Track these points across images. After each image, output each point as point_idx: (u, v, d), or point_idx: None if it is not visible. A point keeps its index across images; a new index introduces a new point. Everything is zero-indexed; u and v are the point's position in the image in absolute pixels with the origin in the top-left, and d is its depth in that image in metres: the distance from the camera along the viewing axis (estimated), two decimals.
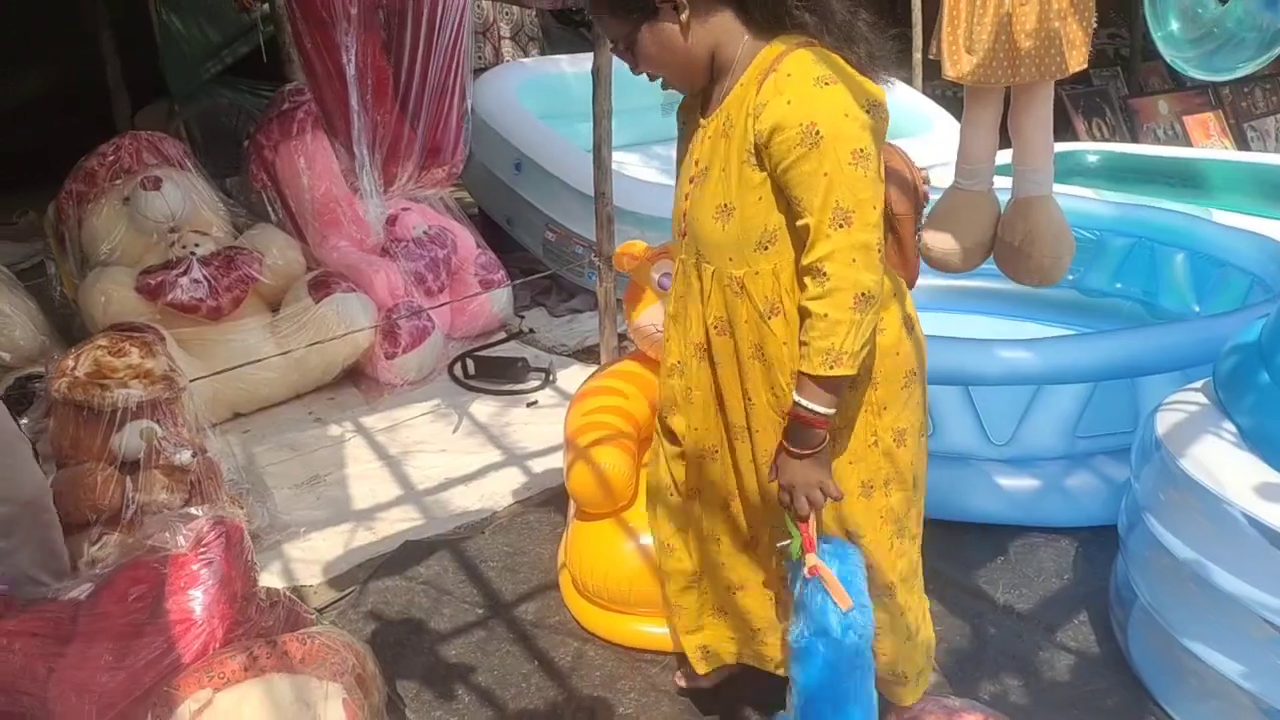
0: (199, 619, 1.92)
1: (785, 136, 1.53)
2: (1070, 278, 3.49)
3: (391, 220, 4.40)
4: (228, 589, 1.98)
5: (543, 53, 7.74)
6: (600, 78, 3.19)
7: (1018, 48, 2.40)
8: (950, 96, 6.64)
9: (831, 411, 1.61)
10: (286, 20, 4.59)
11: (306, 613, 2.20)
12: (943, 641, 2.41)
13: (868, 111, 1.54)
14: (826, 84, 1.53)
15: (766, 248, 1.63)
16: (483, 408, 3.91)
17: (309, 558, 2.92)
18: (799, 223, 1.58)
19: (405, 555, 2.87)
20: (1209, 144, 7.85)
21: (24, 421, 2.96)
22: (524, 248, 5.28)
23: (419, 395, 4.01)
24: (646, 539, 2.29)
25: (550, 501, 3.14)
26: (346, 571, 2.84)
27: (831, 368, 1.56)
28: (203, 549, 2.00)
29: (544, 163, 5.03)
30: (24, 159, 6.49)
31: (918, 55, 6.29)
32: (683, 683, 2.26)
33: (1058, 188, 2.69)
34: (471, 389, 4.09)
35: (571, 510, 2.63)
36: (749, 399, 1.75)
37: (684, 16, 1.61)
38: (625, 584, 2.38)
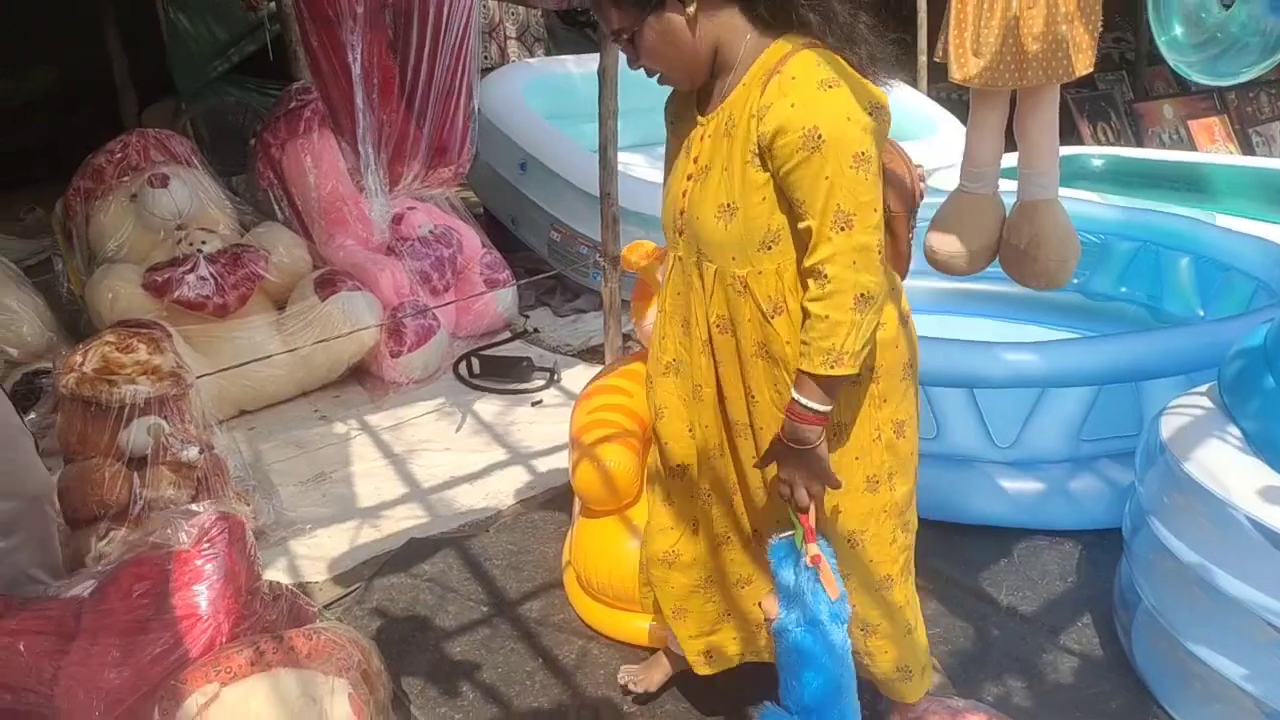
0: (205, 614, 1.93)
1: (788, 140, 1.54)
2: (1075, 281, 3.48)
3: (397, 219, 4.41)
4: (233, 583, 1.99)
5: (548, 53, 7.74)
6: (606, 78, 3.20)
7: (1025, 51, 2.41)
8: (955, 99, 6.64)
9: (829, 409, 1.63)
10: (293, 19, 4.62)
11: (309, 606, 2.21)
12: (946, 643, 2.42)
13: (870, 114, 1.55)
14: (830, 87, 1.54)
15: (770, 247, 1.64)
16: (487, 407, 3.92)
17: (314, 554, 2.93)
18: (801, 225, 1.59)
19: (410, 553, 2.88)
20: (1214, 149, 7.85)
21: (31, 416, 2.98)
22: (529, 247, 5.29)
23: (424, 394, 4.03)
24: None
25: (554, 501, 3.15)
26: (352, 568, 2.85)
27: (832, 368, 1.58)
28: (207, 544, 2.01)
29: (549, 163, 5.03)
30: (31, 156, 6.52)
31: (923, 58, 6.29)
32: (638, 688, 2.23)
33: (1062, 191, 2.70)
34: (476, 388, 4.10)
35: (576, 508, 2.64)
36: (751, 396, 1.75)
37: (691, 9, 1.61)
38: (630, 581, 2.38)
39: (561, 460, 3.33)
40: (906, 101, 6.24)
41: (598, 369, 3.28)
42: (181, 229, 3.93)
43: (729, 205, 1.64)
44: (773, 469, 1.74)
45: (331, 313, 3.84)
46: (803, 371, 1.61)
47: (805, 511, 1.69)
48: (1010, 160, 2.61)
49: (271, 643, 1.89)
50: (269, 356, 3.76)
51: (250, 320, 3.83)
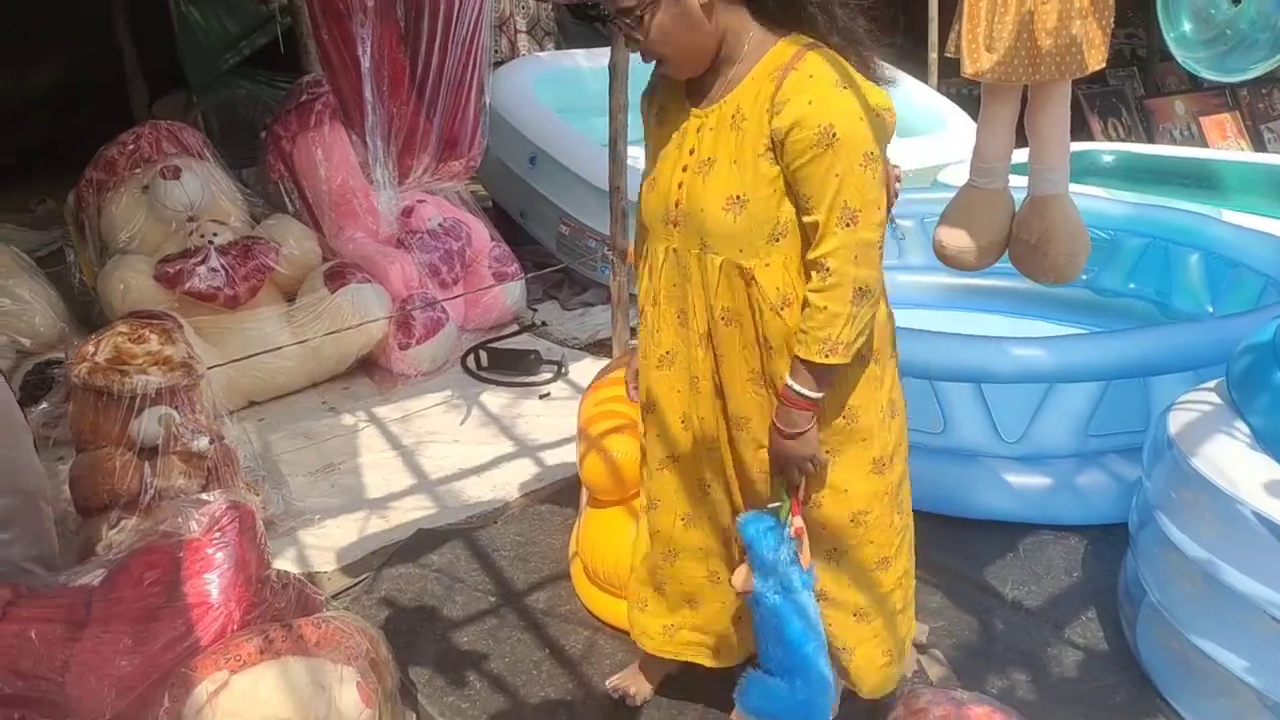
0: (216, 602, 1.95)
1: (803, 135, 1.58)
2: (1084, 277, 3.49)
3: (407, 212, 4.42)
4: (243, 572, 2.00)
5: (558, 47, 7.75)
6: (616, 72, 3.20)
7: (1038, 46, 2.41)
8: (965, 95, 6.63)
9: (820, 396, 1.69)
10: (304, 12, 4.62)
11: (316, 594, 2.23)
12: (951, 636, 2.43)
13: (878, 115, 1.62)
14: (845, 87, 1.59)
15: (778, 240, 1.67)
16: (495, 399, 3.94)
17: (323, 544, 2.94)
18: (806, 219, 1.64)
19: (418, 543, 2.90)
20: (1225, 145, 7.81)
21: (44, 406, 3.00)
22: (537, 241, 5.30)
23: (432, 386, 4.04)
24: None
25: (561, 493, 3.16)
26: (360, 559, 2.87)
27: (827, 356, 1.64)
28: (217, 533, 2.02)
29: (559, 156, 5.04)
30: (42, 147, 6.54)
31: (933, 54, 6.27)
32: (635, 702, 2.23)
33: (1072, 187, 2.70)
34: (484, 381, 4.11)
35: (584, 499, 2.65)
36: (756, 387, 1.77)
37: None
38: None
39: (568, 453, 3.34)
40: (916, 97, 6.24)
41: (605, 362, 3.30)
42: (193, 221, 3.95)
43: (739, 197, 1.66)
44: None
45: (341, 305, 3.86)
46: (798, 358, 1.67)
47: (797, 486, 1.78)
48: (1020, 156, 2.61)
49: (281, 631, 1.90)
50: (279, 348, 3.78)
51: (260, 312, 3.85)
